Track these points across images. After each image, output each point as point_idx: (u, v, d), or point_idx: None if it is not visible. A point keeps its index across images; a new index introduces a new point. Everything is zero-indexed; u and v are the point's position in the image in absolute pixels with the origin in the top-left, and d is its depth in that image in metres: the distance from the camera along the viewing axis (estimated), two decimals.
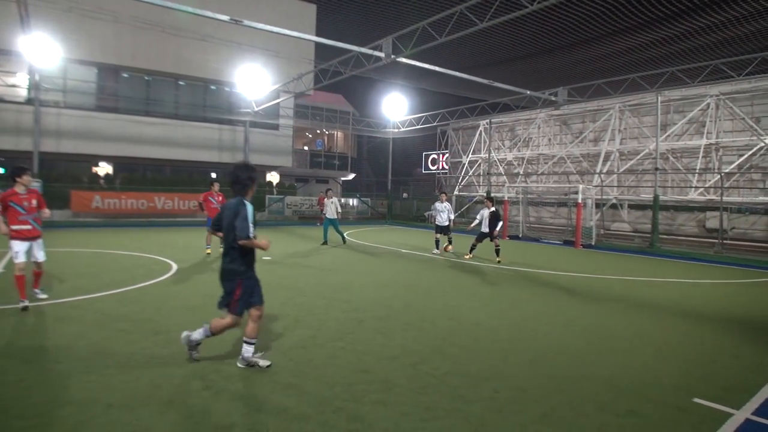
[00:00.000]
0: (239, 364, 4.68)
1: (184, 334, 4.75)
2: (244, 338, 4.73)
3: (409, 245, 16.57)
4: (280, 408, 3.85)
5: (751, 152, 19.14)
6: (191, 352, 4.76)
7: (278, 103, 26.37)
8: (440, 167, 34.29)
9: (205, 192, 13.16)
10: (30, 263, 6.84)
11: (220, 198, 12.73)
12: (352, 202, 32.09)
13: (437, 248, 14.92)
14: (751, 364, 5.48)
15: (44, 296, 7.16)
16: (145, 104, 25.07)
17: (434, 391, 4.31)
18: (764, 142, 18.63)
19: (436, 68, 17.57)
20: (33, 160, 20.14)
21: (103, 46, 22.79)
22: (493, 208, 13.41)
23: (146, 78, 25.16)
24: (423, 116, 30.14)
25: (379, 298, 8.16)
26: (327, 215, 15.71)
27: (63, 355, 4.87)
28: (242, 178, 4.82)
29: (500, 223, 13.42)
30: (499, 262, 13.01)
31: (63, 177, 21.65)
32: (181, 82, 26.17)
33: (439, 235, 14.90)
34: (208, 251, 12.58)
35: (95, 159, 24.76)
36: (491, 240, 13.35)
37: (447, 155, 33.65)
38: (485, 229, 13.48)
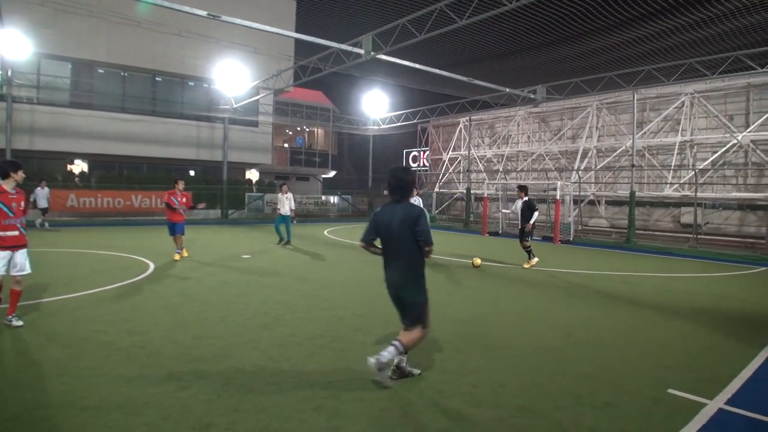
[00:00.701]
0: (392, 376, 4.38)
1: (372, 360, 4.22)
2: (403, 344, 4.35)
3: None
4: (259, 407, 3.82)
5: (724, 149, 19.56)
6: (382, 373, 4.25)
7: (257, 99, 26.16)
8: (421, 164, 34.38)
9: (169, 191, 11.65)
10: (7, 278, 5.72)
11: (185, 199, 11.62)
12: (333, 199, 31.99)
13: None
14: (724, 355, 5.60)
15: (20, 323, 5.70)
16: (121, 101, 24.62)
17: (414, 387, 4.32)
18: (737, 140, 19.05)
19: (416, 65, 17.59)
20: (5, 158, 19.68)
21: (78, 41, 22.32)
22: (525, 198, 11.81)
23: (122, 74, 24.72)
24: (403, 113, 30.16)
25: (359, 295, 8.15)
26: (281, 211, 14.87)
27: (37, 357, 4.77)
28: (407, 182, 4.55)
29: (536, 214, 11.68)
30: (530, 267, 11.70)
31: (37, 175, 21.16)
32: (158, 78, 25.76)
33: None
34: (178, 257, 11.30)
35: (70, 156, 24.28)
36: (522, 237, 11.94)
37: (427, 152, 33.75)
38: (520, 223, 12.02)
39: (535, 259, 11.81)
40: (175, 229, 11.39)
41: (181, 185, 11.70)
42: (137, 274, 9.36)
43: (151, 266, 10.25)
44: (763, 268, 13.04)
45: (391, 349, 4.27)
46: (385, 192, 14.72)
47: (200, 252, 12.84)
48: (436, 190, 31.42)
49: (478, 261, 11.44)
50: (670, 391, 4.42)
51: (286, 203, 14.71)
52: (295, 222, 20.13)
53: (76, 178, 23.41)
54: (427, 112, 28.69)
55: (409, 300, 4.44)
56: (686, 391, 4.41)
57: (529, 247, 11.74)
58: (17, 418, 3.54)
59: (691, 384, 4.59)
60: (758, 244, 17.35)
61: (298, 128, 37.79)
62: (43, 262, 10.32)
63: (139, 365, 4.61)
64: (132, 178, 24.16)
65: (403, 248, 4.40)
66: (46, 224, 17.54)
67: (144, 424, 3.49)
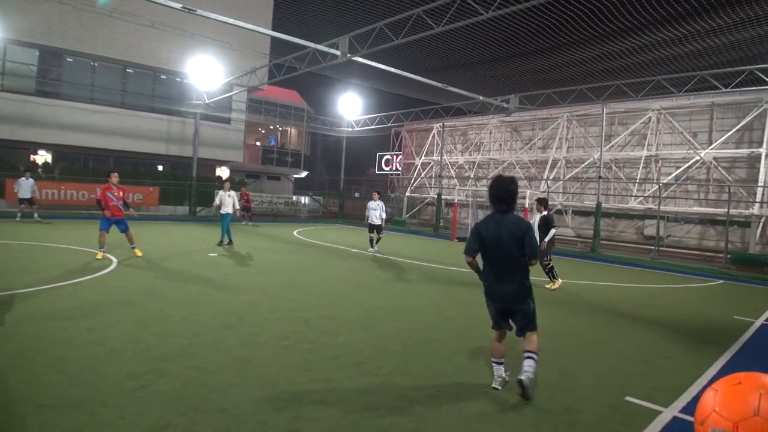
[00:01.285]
0: (529, 388, 4.22)
1: (524, 379, 4.20)
2: (536, 352, 4.38)
3: (359, 245, 16.55)
4: (219, 408, 3.77)
5: (687, 165, 20.17)
6: (533, 387, 4.29)
7: (231, 96, 25.85)
8: (393, 168, 34.46)
9: (103, 185, 10.76)
10: None
11: (122, 193, 10.75)
12: (304, 200, 31.79)
13: (372, 247, 14.89)
14: (681, 364, 5.77)
15: None
16: (90, 91, 23.97)
17: (377, 390, 4.32)
18: (700, 156, 19.66)
19: (392, 69, 17.66)
20: None
21: (47, 28, 21.67)
22: (545, 212, 10.58)
23: (92, 64, 24.09)
24: (377, 116, 30.21)
25: (326, 296, 8.11)
26: (223, 210, 14.00)
27: None
28: (515, 193, 4.46)
29: (553, 231, 10.31)
30: (553, 288, 10.27)
31: None
32: (129, 70, 25.20)
33: (373, 234, 14.87)
34: (100, 256, 10.24)
35: (34, 146, 23.52)
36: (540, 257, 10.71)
37: (400, 156, 33.86)
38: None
39: (560, 281, 10.42)
40: (117, 226, 10.68)
41: (114, 178, 10.72)
42: (99, 269, 9.12)
43: (115, 262, 10.01)
44: (721, 281, 13.49)
45: (530, 362, 4.31)
46: (375, 195, 14.87)
47: (166, 249, 12.61)
48: (408, 194, 31.55)
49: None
50: (628, 398, 4.53)
51: (228, 201, 13.99)
52: (250, 223, 19.40)
53: (39, 169, 22.70)
54: (402, 117, 28.81)
55: (528, 311, 4.50)
56: (643, 398, 4.53)
57: (550, 266, 10.37)
58: None
59: (648, 392, 4.71)
60: (717, 257, 17.93)
61: (271, 127, 37.44)
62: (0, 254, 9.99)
63: (97, 363, 4.49)
64: (98, 171, 23.51)
65: (514, 261, 4.37)
66: (36, 215, 17.14)
67: (100, 424, 3.40)
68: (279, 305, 7.25)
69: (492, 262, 4.46)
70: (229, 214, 14.04)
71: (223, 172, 31.39)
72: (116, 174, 10.92)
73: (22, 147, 23.01)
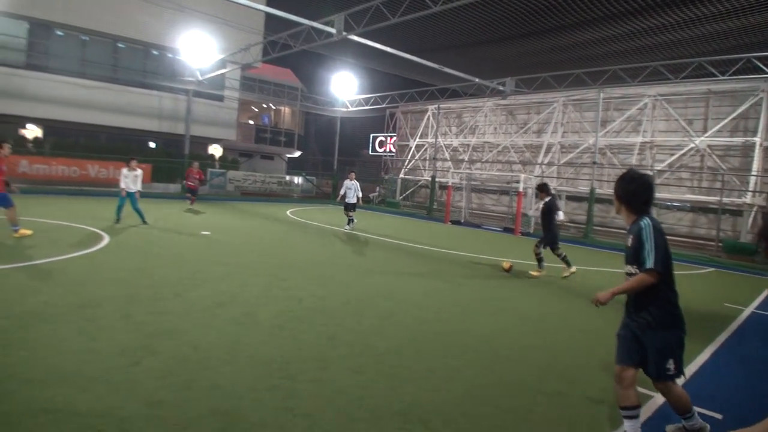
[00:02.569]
0: None
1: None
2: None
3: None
4: (212, 385, 3.76)
5: (682, 152, 20.19)
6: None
7: (224, 73, 25.48)
8: (387, 149, 34.30)
9: None
10: None
11: (5, 167, 9.14)
12: (297, 180, 31.65)
13: (348, 225, 15.33)
14: None
15: None
16: (80, 65, 23.56)
17: (370, 370, 4.33)
18: (695, 144, 19.68)
19: (388, 49, 17.45)
20: None
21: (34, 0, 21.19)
22: (547, 198, 10.07)
23: (82, 37, 23.63)
24: (372, 97, 29.96)
25: (319, 277, 8.10)
26: (128, 189, 12.56)
27: None
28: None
29: (559, 215, 9.91)
30: (565, 277, 9.86)
31: None
32: (120, 44, 24.76)
33: (351, 213, 15.38)
34: (25, 232, 9.31)
35: (23, 121, 23.14)
36: (544, 244, 10.05)
37: (395, 138, 33.69)
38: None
39: (574, 267, 9.93)
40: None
41: (6, 149, 9.14)
42: (90, 245, 9.04)
43: (106, 238, 9.93)
44: (711, 269, 13.61)
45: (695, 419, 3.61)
46: (351, 175, 14.91)
47: (158, 227, 12.52)
48: (401, 176, 31.46)
49: (507, 264, 10.11)
50: None
51: (131, 179, 12.62)
52: (191, 203, 18.12)
53: (29, 144, 22.39)
54: (397, 98, 28.58)
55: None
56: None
57: (562, 254, 10.00)
58: None
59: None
60: (708, 245, 18.06)
61: (265, 105, 37.10)
62: None
63: (88, 339, 4.46)
64: (89, 147, 23.24)
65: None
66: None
67: (92, 399, 3.38)
68: (272, 284, 7.23)
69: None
70: (132, 193, 12.62)
71: (215, 150, 31.16)
72: (8, 145, 9.23)
73: (11, 121, 22.62)
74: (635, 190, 3.44)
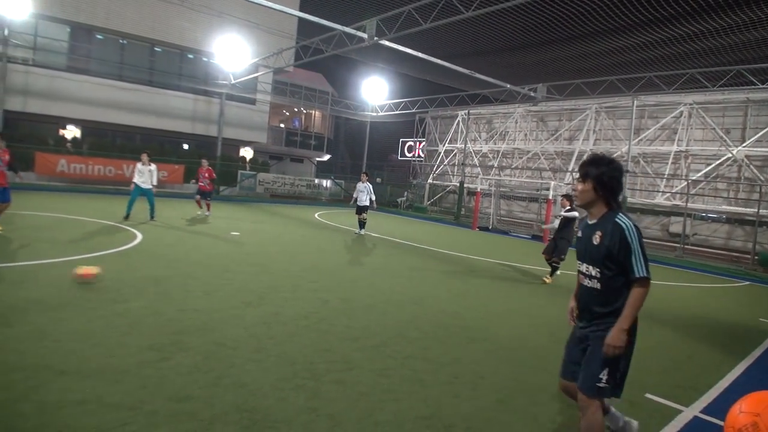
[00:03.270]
0: None
1: None
2: None
3: (379, 230, 16.57)
4: (238, 383, 3.81)
5: (718, 162, 19.67)
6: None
7: (256, 77, 25.91)
8: (416, 154, 34.29)
9: None
10: None
11: (7, 157, 9.19)
12: (326, 183, 31.87)
13: (360, 229, 14.95)
14: (703, 364, 5.66)
15: None
16: (118, 68, 24.25)
17: (394, 374, 4.32)
18: (732, 154, 19.15)
19: (419, 54, 17.49)
20: None
21: (77, 4, 21.90)
22: (567, 207, 9.92)
23: (121, 41, 24.34)
24: (402, 102, 30.02)
25: (345, 279, 8.13)
26: (142, 184, 12.65)
27: (16, 319, 4.70)
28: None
29: (576, 218, 9.63)
30: (544, 281, 9.98)
31: (28, 138, 20.87)
32: (157, 48, 25.40)
33: (363, 215, 14.87)
34: None
35: (63, 121, 23.92)
36: (549, 253, 9.93)
37: (424, 143, 33.66)
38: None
39: (551, 279, 10.04)
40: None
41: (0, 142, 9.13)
42: (123, 243, 9.27)
43: (139, 236, 10.16)
44: (747, 283, 13.18)
45: None
46: (363, 176, 14.73)
47: (188, 226, 12.76)
48: (429, 181, 31.40)
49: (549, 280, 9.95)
50: (647, 395, 4.45)
51: (147, 175, 12.72)
52: (207, 214, 15.44)
53: (68, 143, 23.10)
54: (426, 102, 28.59)
55: None
56: (663, 396, 4.45)
57: (557, 265, 10.03)
58: None
59: (668, 390, 4.63)
60: (743, 258, 17.53)
61: (296, 109, 37.51)
62: (28, 225, 10.22)
63: (119, 334, 4.57)
64: (125, 148, 23.87)
65: None
66: None
67: (122, 392, 3.46)
68: (300, 285, 7.29)
69: None
70: (146, 189, 12.74)
71: (247, 152, 31.61)
72: (3, 141, 9.20)
73: (52, 121, 23.41)
74: (619, 178, 2.99)
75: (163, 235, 10.78)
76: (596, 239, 2.94)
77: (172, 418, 3.20)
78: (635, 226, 2.87)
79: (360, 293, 7.24)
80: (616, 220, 2.87)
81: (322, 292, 7.01)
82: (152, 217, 12.78)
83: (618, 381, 2.92)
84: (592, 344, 2.95)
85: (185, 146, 28.06)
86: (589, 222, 3.07)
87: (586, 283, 3.03)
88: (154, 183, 12.88)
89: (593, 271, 2.97)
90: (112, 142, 24.44)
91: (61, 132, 24.37)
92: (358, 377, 4.17)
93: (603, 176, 2.93)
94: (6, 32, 19.81)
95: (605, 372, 2.86)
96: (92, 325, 4.73)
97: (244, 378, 3.90)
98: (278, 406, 3.51)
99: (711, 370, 5.44)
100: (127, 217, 12.44)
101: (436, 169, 31.91)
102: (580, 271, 3.09)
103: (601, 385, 2.86)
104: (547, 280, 9.99)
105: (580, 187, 3.01)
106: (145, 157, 12.82)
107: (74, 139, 23.98)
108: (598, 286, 2.95)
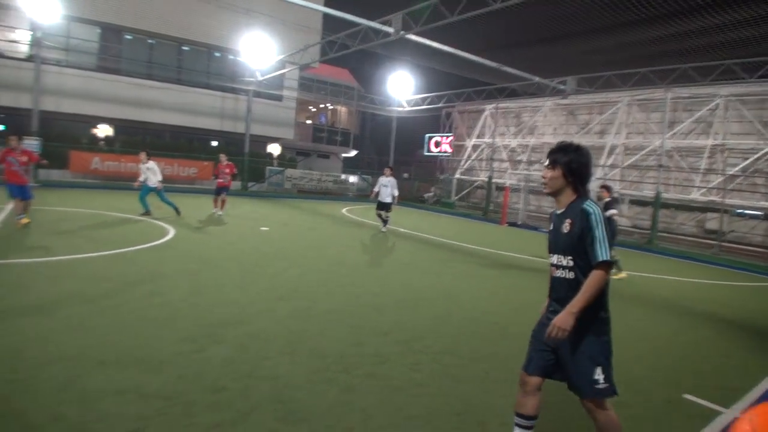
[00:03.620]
0: None
1: None
2: None
3: (407, 225, 16.54)
4: (272, 375, 3.84)
5: (756, 156, 19.04)
6: None
7: (283, 73, 26.06)
8: (443, 149, 34.10)
9: (4, 150, 9.42)
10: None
11: (26, 158, 9.52)
12: (353, 179, 31.95)
13: (383, 227, 13.94)
14: (740, 365, 5.50)
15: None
16: (147, 67, 24.69)
17: (426, 369, 4.31)
18: None
19: (446, 48, 17.35)
20: (33, 118, 19.87)
21: (106, 5, 22.29)
22: (607, 199, 9.70)
23: (149, 41, 24.76)
24: (429, 96, 29.86)
25: (375, 274, 8.15)
26: (149, 183, 12.62)
27: (56, 312, 4.84)
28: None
29: (613, 212, 9.58)
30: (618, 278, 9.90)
31: (62, 137, 21.41)
32: (184, 47, 25.77)
33: (384, 212, 13.80)
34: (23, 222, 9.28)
35: (95, 120, 24.48)
36: None
37: (451, 138, 33.45)
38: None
39: (623, 273, 10.11)
40: (19, 193, 9.37)
41: (13, 141, 9.41)
42: (157, 238, 9.45)
43: (171, 232, 10.34)
44: None
45: None
46: (386, 170, 13.94)
47: (219, 221, 12.94)
48: (457, 176, 31.21)
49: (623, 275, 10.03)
50: (685, 395, 4.34)
51: (147, 174, 12.59)
52: (220, 213, 14.53)
53: (101, 141, 23.64)
54: (453, 97, 28.37)
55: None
56: (702, 397, 4.33)
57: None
58: (34, 368, 3.60)
59: (707, 391, 4.50)
60: None
61: (322, 105, 37.67)
62: (64, 221, 10.49)
63: (156, 326, 4.66)
64: (155, 145, 24.27)
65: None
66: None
67: (159, 382, 3.53)
68: (330, 280, 7.33)
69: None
70: (152, 187, 12.68)
71: (274, 148, 31.88)
72: (15, 137, 9.54)
73: (84, 121, 23.97)
74: (587, 164, 2.99)
75: (195, 231, 10.96)
76: (566, 227, 2.93)
77: (209, 408, 3.24)
78: (601, 212, 2.85)
79: (390, 288, 7.24)
80: (584, 206, 2.86)
81: (352, 287, 7.03)
82: (177, 213, 12.83)
83: (611, 378, 2.90)
84: (571, 340, 2.86)
85: (214, 143, 28.43)
86: (558, 212, 3.08)
87: (559, 275, 2.99)
88: (159, 179, 12.76)
89: (565, 261, 2.94)
90: (142, 139, 24.88)
91: (94, 131, 24.95)
92: (389, 371, 4.16)
93: (572, 163, 2.95)
94: (39, 35, 20.33)
95: (598, 371, 2.84)
96: (129, 317, 4.84)
97: (277, 370, 3.94)
98: (311, 398, 3.53)
99: (751, 370, 5.27)
100: (146, 213, 12.52)
101: (463, 164, 31.68)
102: (552, 264, 3.05)
103: (599, 386, 2.85)
104: (623, 275, 10.05)
105: (549, 174, 3.03)
106: (143, 155, 12.72)
107: (107, 137, 24.53)
108: (572, 276, 2.91)
